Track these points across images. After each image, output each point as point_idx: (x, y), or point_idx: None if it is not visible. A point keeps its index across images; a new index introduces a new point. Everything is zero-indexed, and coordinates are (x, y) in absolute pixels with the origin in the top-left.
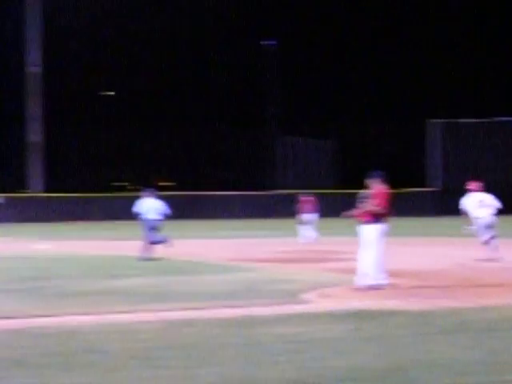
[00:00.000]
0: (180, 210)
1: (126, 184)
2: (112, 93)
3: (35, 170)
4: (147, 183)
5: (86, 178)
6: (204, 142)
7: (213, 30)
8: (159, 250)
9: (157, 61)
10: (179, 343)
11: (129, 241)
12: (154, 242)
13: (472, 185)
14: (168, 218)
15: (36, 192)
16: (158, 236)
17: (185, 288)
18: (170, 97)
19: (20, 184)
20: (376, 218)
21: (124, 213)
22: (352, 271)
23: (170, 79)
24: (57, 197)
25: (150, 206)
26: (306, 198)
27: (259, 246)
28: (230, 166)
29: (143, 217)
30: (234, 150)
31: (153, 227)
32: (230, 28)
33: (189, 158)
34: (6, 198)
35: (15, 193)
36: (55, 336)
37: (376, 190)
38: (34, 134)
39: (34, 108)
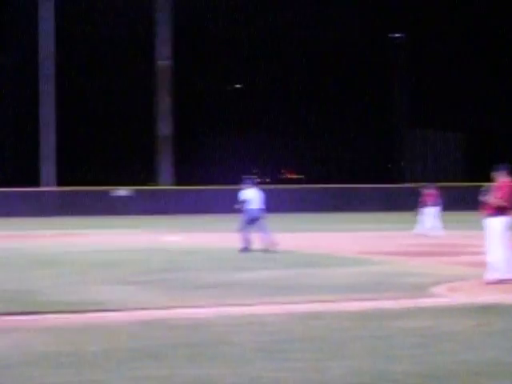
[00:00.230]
0: (309, 203)
1: (255, 177)
2: (239, 85)
3: (165, 164)
4: (275, 176)
5: (215, 170)
6: (332, 135)
7: (341, 23)
8: (286, 243)
9: (284, 54)
10: (307, 336)
11: (257, 233)
12: (246, 237)
13: None
14: (268, 210)
15: (165, 185)
16: (248, 234)
17: (312, 281)
18: (298, 90)
19: (150, 177)
20: (500, 210)
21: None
22: (479, 265)
23: (296, 72)
24: (185, 189)
25: (251, 196)
26: (429, 191)
27: (386, 239)
28: (360, 158)
29: (244, 207)
30: (363, 143)
31: (253, 218)
32: (358, 21)
33: (316, 151)
34: (136, 190)
35: (145, 186)
36: (184, 328)
37: (500, 182)
38: (164, 128)
39: (164, 102)
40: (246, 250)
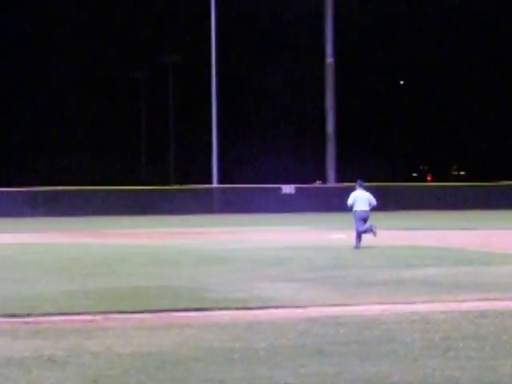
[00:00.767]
0: (470, 201)
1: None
2: (401, 82)
3: (330, 161)
4: (443, 172)
5: (382, 167)
6: (498, 128)
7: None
8: (453, 241)
9: (447, 52)
10: (476, 334)
11: (420, 231)
12: (362, 232)
13: None
14: (375, 208)
15: (330, 182)
16: (366, 226)
17: (479, 278)
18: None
19: (318, 174)
20: None
21: (415, 203)
22: None
23: (456, 68)
24: (347, 186)
25: (358, 197)
26: None
27: None
28: None
29: (353, 208)
30: None
31: (362, 218)
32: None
33: (481, 147)
34: (299, 189)
35: (314, 183)
36: (352, 325)
37: None
38: (329, 125)
39: (330, 99)
40: (357, 247)
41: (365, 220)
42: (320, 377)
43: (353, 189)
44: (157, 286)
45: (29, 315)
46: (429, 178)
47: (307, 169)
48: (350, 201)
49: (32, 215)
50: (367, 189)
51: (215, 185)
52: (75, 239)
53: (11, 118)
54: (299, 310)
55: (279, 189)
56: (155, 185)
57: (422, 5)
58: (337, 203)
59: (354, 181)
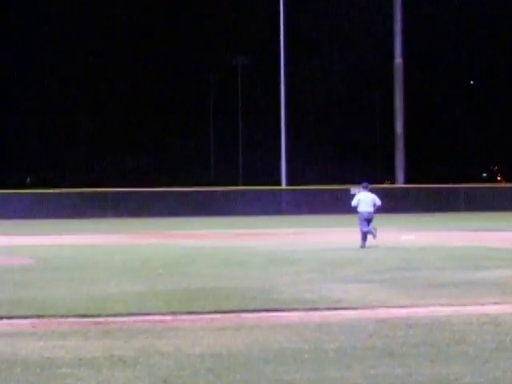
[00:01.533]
0: None
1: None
2: (471, 82)
3: (399, 162)
4: None
5: (451, 168)
6: None
7: None
8: None
9: None
10: None
11: (490, 232)
12: (364, 233)
13: None
14: (380, 210)
15: (399, 183)
16: (369, 227)
17: None
18: None
19: (386, 175)
20: None
21: (485, 204)
22: None
23: None
24: (416, 188)
25: (362, 198)
26: None
27: None
28: None
29: (358, 209)
30: None
31: (365, 219)
32: None
33: None
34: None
35: (383, 184)
36: (422, 326)
37: None
38: (398, 126)
39: (399, 99)
40: (363, 247)
41: (368, 221)
42: (390, 378)
43: (423, 190)
44: (226, 287)
45: (99, 316)
46: (499, 179)
47: (376, 169)
48: (354, 202)
49: (101, 216)
50: (375, 191)
51: (284, 186)
52: (144, 240)
53: (78, 118)
54: (368, 312)
55: (348, 190)
56: (224, 185)
57: (493, 3)
58: (405, 204)
59: (423, 182)
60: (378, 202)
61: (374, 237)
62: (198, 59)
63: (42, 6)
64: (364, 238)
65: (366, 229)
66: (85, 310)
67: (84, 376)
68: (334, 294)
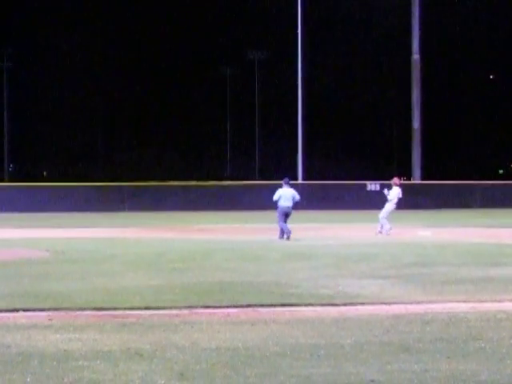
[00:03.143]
0: None
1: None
2: (491, 76)
3: (415, 158)
4: None
5: (468, 164)
6: None
7: None
8: None
9: None
10: None
11: (507, 229)
12: (281, 228)
13: None
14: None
15: (416, 179)
16: (285, 225)
17: None
18: None
19: (403, 171)
20: None
21: (502, 200)
22: None
23: None
24: (436, 184)
25: (283, 194)
26: None
27: None
28: None
29: (278, 204)
30: None
31: (284, 213)
32: None
33: None
34: (384, 184)
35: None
36: (438, 322)
37: None
38: (414, 121)
39: (416, 94)
40: (281, 237)
41: (287, 214)
42: (406, 374)
43: (440, 187)
44: (242, 282)
45: (116, 309)
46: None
47: (392, 165)
48: (275, 197)
49: (118, 210)
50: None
51: (300, 181)
52: (160, 234)
53: (97, 112)
54: (385, 307)
55: (364, 185)
56: (240, 180)
57: None
58: (421, 200)
59: (439, 178)
60: (297, 197)
61: (288, 239)
62: (215, 54)
63: None
64: (282, 231)
65: (281, 224)
66: (101, 303)
67: (100, 369)
68: (350, 289)
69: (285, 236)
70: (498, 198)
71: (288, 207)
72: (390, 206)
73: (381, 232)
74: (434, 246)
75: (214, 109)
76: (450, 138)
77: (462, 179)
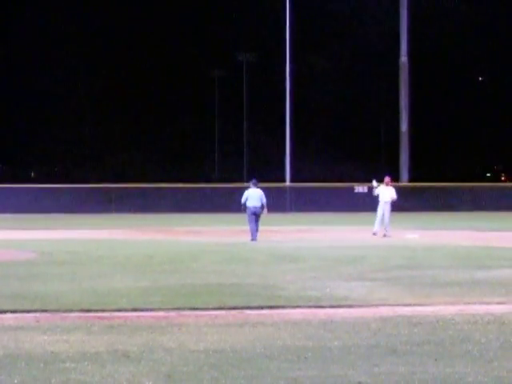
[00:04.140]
0: None
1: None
2: (480, 78)
3: (403, 160)
4: None
5: (455, 167)
6: None
7: None
8: None
9: None
10: None
11: (494, 232)
12: (251, 229)
13: None
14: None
15: (403, 182)
16: (254, 226)
17: None
18: None
19: (391, 174)
20: None
21: (489, 203)
22: None
23: None
24: (421, 186)
25: (251, 195)
26: None
27: None
28: None
29: (246, 205)
30: None
31: (253, 213)
32: None
33: None
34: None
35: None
36: (426, 325)
37: None
38: (405, 124)
39: (404, 97)
40: (253, 240)
41: (255, 215)
42: (393, 376)
43: (428, 189)
44: (230, 284)
45: (103, 310)
46: (503, 178)
47: (380, 167)
48: (243, 199)
49: (105, 212)
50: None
51: (288, 183)
52: (148, 236)
53: (84, 113)
54: (372, 309)
55: (352, 188)
56: (228, 182)
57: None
58: (409, 203)
59: (427, 181)
60: (264, 199)
61: (252, 241)
62: (203, 55)
63: None
64: (252, 231)
65: (251, 225)
66: (89, 304)
67: (88, 371)
68: (338, 291)
69: (251, 237)
70: (486, 201)
71: (255, 207)
72: (384, 208)
73: (385, 235)
74: (421, 249)
75: (203, 111)
76: (438, 141)
77: (449, 182)
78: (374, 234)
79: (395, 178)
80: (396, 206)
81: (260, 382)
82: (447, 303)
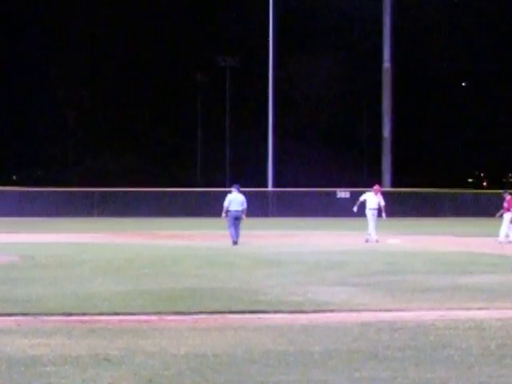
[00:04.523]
0: None
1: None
2: (463, 84)
3: (385, 166)
4: (498, 178)
5: (437, 172)
6: None
7: None
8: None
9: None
10: None
11: (476, 237)
12: (230, 233)
13: None
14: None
15: (386, 187)
16: (234, 230)
17: None
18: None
19: (373, 179)
20: None
21: (471, 209)
22: None
23: None
24: (404, 192)
25: (233, 199)
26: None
27: None
28: None
29: (227, 208)
30: None
31: (234, 217)
32: None
33: None
34: (354, 192)
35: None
36: (407, 330)
37: None
38: (387, 129)
39: (387, 103)
40: (234, 244)
41: (236, 218)
42: (374, 381)
43: (410, 194)
44: (211, 288)
45: (84, 314)
46: (484, 184)
47: (363, 173)
48: (225, 203)
49: (87, 215)
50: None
51: (270, 188)
52: (130, 240)
53: (66, 116)
54: (354, 315)
55: (334, 193)
56: (210, 187)
57: (483, 5)
58: (391, 208)
59: (409, 186)
60: (245, 205)
61: (235, 243)
62: (186, 59)
63: None
64: (232, 235)
65: (230, 230)
66: (70, 308)
67: (68, 374)
68: (319, 296)
69: (232, 240)
70: (467, 207)
71: (237, 211)
72: (373, 213)
73: (377, 241)
74: (403, 254)
75: (185, 115)
76: (420, 147)
77: (431, 187)
78: (377, 241)
79: (377, 184)
80: (378, 212)
81: None
82: (428, 309)
